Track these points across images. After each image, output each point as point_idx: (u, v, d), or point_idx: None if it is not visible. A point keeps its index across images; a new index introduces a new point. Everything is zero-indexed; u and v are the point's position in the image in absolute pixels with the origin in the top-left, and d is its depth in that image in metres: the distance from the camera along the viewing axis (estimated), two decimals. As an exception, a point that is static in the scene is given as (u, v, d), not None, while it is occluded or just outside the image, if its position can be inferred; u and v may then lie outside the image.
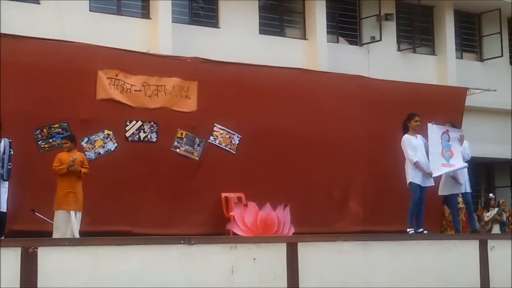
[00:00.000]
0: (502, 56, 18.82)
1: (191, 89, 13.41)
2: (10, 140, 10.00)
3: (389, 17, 17.35)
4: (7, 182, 9.95)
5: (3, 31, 11.77)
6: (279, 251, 9.36)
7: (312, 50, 16.42)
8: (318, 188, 14.02)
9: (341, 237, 10.65)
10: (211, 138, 13.57)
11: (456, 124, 12.31)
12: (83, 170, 10.61)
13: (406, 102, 13.36)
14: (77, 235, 10.34)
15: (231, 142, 13.72)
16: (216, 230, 12.60)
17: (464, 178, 11.57)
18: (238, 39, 15.57)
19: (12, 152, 9.99)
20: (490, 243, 10.88)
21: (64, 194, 10.50)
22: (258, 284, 9.08)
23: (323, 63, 16.17)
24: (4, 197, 9.93)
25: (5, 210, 9.92)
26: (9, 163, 9.97)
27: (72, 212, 10.41)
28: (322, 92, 14.70)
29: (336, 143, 14.46)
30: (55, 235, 10.41)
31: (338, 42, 17.20)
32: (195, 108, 13.39)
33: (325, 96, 14.65)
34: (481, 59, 19.07)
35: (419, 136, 11.22)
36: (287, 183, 13.59)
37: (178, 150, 13.24)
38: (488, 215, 16.10)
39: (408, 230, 11.02)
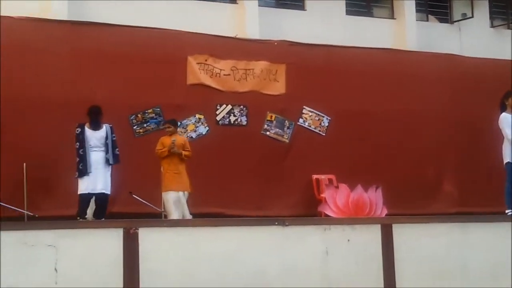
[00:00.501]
0: None
1: (279, 72, 13.44)
2: (111, 125, 10.33)
3: (481, -7, 17.06)
4: (111, 166, 10.28)
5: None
6: (374, 233, 9.30)
7: (401, 30, 16.22)
8: (410, 169, 13.80)
9: (436, 219, 10.51)
10: (301, 120, 13.59)
11: None
12: (184, 152, 10.76)
13: (502, 80, 12.95)
14: (187, 215, 10.58)
15: (320, 124, 13.69)
16: (307, 212, 12.66)
17: None
18: (325, 21, 15.54)
19: (115, 137, 10.32)
20: None
21: (170, 176, 10.72)
22: (353, 265, 9.08)
23: (412, 42, 15.97)
24: (109, 180, 10.26)
25: (109, 193, 10.28)
26: (116, 149, 10.36)
27: (181, 193, 10.63)
28: (412, 72, 14.44)
29: (427, 123, 14.21)
30: (168, 216, 10.69)
31: (427, 20, 16.90)
32: (283, 91, 13.43)
33: (415, 76, 14.37)
34: None
35: (515, 114, 10.94)
36: (378, 164, 13.49)
37: (268, 133, 13.34)
38: None
39: (507, 211, 10.78)
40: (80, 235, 8.01)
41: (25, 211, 10.49)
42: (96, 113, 10.29)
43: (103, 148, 10.18)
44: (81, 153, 10.04)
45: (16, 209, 10.61)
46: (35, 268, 7.66)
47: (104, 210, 10.37)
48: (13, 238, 7.67)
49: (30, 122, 11.37)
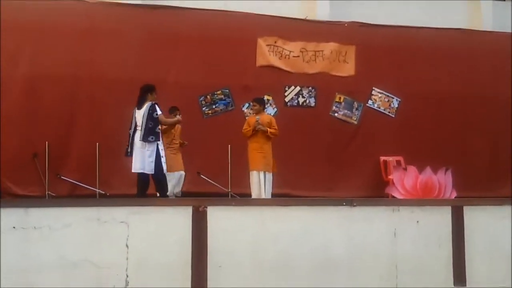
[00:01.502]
0: None
1: (349, 54, 13.40)
2: (154, 103, 10.07)
3: None
4: (152, 144, 9.98)
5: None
6: (444, 215, 9.23)
7: (475, 9, 15.82)
8: (480, 151, 13.61)
9: (509, 201, 10.35)
10: (370, 102, 13.52)
11: None
12: (270, 130, 10.77)
13: None
14: (266, 195, 10.64)
15: (390, 105, 13.59)
16: (375, 193, 12.61)
17: None
18: (396, 1, 15.30)
19: (151, 112, 9.97)
20: None
21: (253, 155, 10.79)
22: (422, 247, 9.04)
23: (487, 22, 15.55)
24: (149, 159, 10.00)
25: (150, 172, 10.07)
26: (149, 126, 9.93)
27: (261, 173, 10.68)
28: (486, 53, 14.11)
29: (500, 105, 13.87)
30: (253, 195, 10.78)
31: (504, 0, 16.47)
32: (353, 72, 13.37)
33: (489, 57, 14.05)
34: None
35: None
36: (448, 146, 13.31)
37: (336, 114, 13.32)
38: None
39: None
40: (151, 213, 8.22)
41: (97, 189, 10.80)
42: (141, 92, 10.22)
43: (141, 127, 10.05)
44: (129, 133, 10.11)
45: (89, 187, 10.99)
46: (107, 243, 7.90)
47: (143, 190, 10.13)
48: (86, 214, 7.95)
49: (104, 103, 11.68)
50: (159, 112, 10.04)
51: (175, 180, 11.00)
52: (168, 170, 10.57)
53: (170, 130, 10.91)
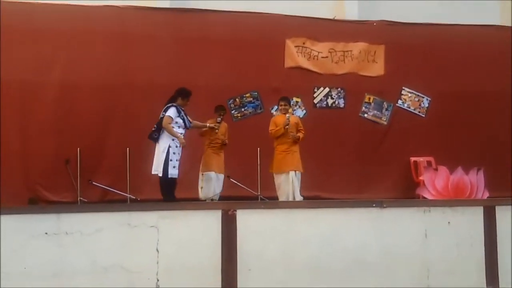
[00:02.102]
0: None
1: (378, 53, 13.35)
2: (171, 105, 10.07)
3: None
4: (162, 143, 9.93)
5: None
6: (476, 215, 9.19)
7: (508, 5, 15.70)
8: (512, 151, 13.42)
9: (542, 201, 10.26)
10: (399, 102, 13.45)
11: None
12: (300, 136, 10.80)
13: None
14: (297, 196, 10.59)
15: (420, 105, 13.51)
16: (405, 194, 12.53)
17: None
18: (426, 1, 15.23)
19: (163, 116, 9.95)
20: None
21: (282, 156, 10.68)
22: (454, 248, 9.01)
23: (519, 19, 15.43)
24: (159, 160, 9.96)
25: (159, 174, 9.95)
26: (159, 121, 9.97)
27: (292, 172, 10.58)
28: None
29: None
30: (280, 197, 10.73)
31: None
32: (382, 72, 13.32)
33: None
34: None
35: None
36: (480, 146, 13.17)
37: (366, 115, 13.29)
38: None
39: None
40: (180, 217, 8.31)
41: (128, 195, 10.90)
42: (174, 93, 10.25)
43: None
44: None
45: (120, 192, 11.07)
46: (138, 248, 8.01)
47: (162, 192, 10.08)
48: (117, 219, 8.07)
49: (136, 108, 11.76)
50: (167, 114, 9.93)
51: (212, 181, 10.84)
52: (203, 170, 10.72)
53: (213, 131, 10.78)
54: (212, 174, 10.82)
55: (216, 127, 10.69)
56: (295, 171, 10.65)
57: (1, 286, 7.51)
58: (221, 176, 10.94)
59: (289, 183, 10.57)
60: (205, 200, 10.63)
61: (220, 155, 10.92)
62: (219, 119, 10.80)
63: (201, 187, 10.76)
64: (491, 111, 13.51)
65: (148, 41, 12.12)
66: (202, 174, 10.79)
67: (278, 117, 10.96)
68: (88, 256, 7.82)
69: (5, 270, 7.58)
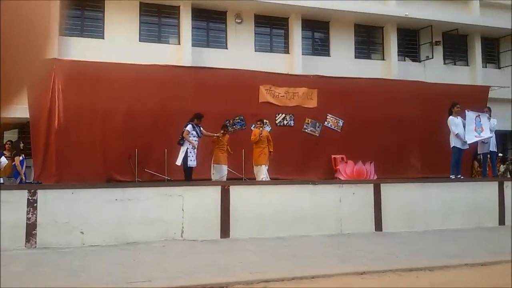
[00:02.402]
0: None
1: (313, 94, 13.32)
2: (190, 123, 10.05)
3: (438, 43, 16.38)
4: (183, 146, 9.86)
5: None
6: (369, 189, 9.30)
7: (388, 67, 15.84)
8: (392, 151, 13.40)
9: (408, 180, 10.37)
10: (326, 122, 13.45)
11: (490, 108, 11.54)
12: (270, 150, 10.71)
13: (450, 96, 12.48)
14: (268, 178, 10.38)
15: (337, 124, 13.53)
16: (329, 177, 12.53)
17: (493, 142, 10.94)
18: (342, 63, 15.27)
19: (185, 129, 9.91)
20: (505, 184, 10.22)
21: (258, 154, 10.62)
22: (356, 207, 9.08)
23: (395, 74, 15.56)
24: (181, 155, 9.81)
25: (179, 164, 9.87)
26: (181, 135, 9.91)
27: (264, 166, 10.53)
28: (395, 92, 13.99)
29: (404, 123, 13.75)
30: (257, 179, 10.49)
31: (404, 60, 16.44)
32: (316, 105, 13.27)
33: (397, 95, 13.93)
34: (499, 67, 17.54)
35: (459, 117, 10.65)
36: (372, 148, 13.07)
37: (306, 130, 13.26)
38: (503, 167, 14.92)
39: (451, 176, 10.53)
40: (197, 190, 8.29)
41: (166, 177, 10.81)
42: (193, 115, 10.16)
43: None
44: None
45: (161, 175, 10.96)
46: (171, 208, 7.98)
47: (185, 175, 9.85)
48: (159, 191, 8.02)
49: (171, 125, 11.40)
50: (186, 128, 9.93)
51: (220, 169, 10.51)
52: (215, 163, 10.46)
53: (218, 139, 10.53)
54: (221, 165, 10.58)
55: (220, 136, 10.54)
56: (266, 165, 10.61)
57: (84, 232, 7.40)
58: (225, 167, 10.71)
59: (262, 171, 10.54)
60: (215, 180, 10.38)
61: (224, 154, 10.72)
62: (222, 131, 10.68)
63: (213, 173, 10.51)
64: (380, 126, 13.50)
65: (177, 85, 12.02)
66: (213, 165, 10.57)
67: (255, 130, 10.93)
68: (141, 213, 7.78)
69: (90, 221, 7.52)
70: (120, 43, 13.20)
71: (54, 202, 7.38)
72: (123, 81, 11.47)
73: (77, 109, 10.97)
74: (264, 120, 12.47)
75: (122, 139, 11.32)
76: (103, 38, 13.32)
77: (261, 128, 10.78)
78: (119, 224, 7.58)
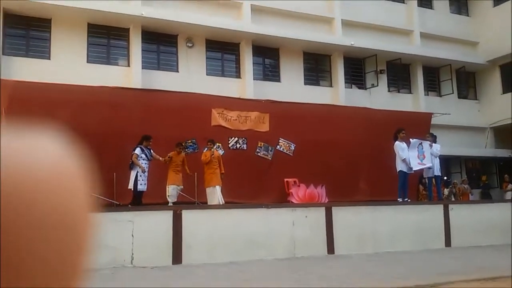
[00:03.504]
0: (452, 93, 18.32)
1: (265, 118, 13.50)
2: (139, 146, 9.96)
3: (382, 71, 17.11)
4: (133, 170, 9.77)
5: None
6: (321, 212, 9.37)
7: (336, 93, 16.31)
8: (342, 174, 13.74)
9: (358, 203, 10.56)
10: (278, 146, 13.60)
11: (434, 135, 12.03)
12: (222, 171, 10.56)
13: (395, 122, 13.01)
14: (221, 201, 10.20)
15: (289, 148, 13.71)
16: (282, 200, 12.59)
17: (437, 166, 11.38)
18: (292, 89, 15.59)
19: (133, 151, 9.85)
20: (450, 206, 10.64)
21: (210, 176, 10.37)
22: (309, 231, 9.12)
23: (342, 100, 16.04)
24: (131, 179, 9.73)
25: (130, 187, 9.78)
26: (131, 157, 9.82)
27: (217, 186, 10.33)
28: (342, 117, 14.48)
29: (352, 148, 14.12)
30: (210, 202, 10.25)
31: (351, 87, 17.02)
32: (268, 129, 13.44)
33: (344, 120, 14.40)
34: (440, 95, 18.55)
35: (404, 142, 11.04)
36: (323, 172, 13.35)
37: (259, 153, 13.36)
38: (447, 190, 15.62)
39: (398, 199, 10.85)
40: (148, 214, 8.04)
41: (115, 201, 10.44)
42: (141, 138, 10.05)
43: None
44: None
45: (110, 200, 10.53)
46: (120, 234, 7.68)
47: (133, 199, 9.78)
48: (108, 216, 7.71)
49: (119, 146, 11.08)
50: (134, 152, 9.76)
51: (176, 190, 10.33)
52: (170, 184, 10.18)
53: (174, 160, 10.33)
54: (176, 187, 10.30)
55: (170, 156, 10.27)
56: (218, 185, 10.46)
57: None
58: (180, 187, 10.47)
59: (215, 193, 10.38)
60: (172, 203, 10.05)
61: (179, 175, 10.44)
62: (178, 149, 10.44)
63: (168, 195, 10.19)
64: (330, 150, 13.75)
65: (127, 107, 11.80)
66: (168, 187, 10.25)
67: (207, 152, 10.75)
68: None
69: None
70: (67, 64, 12.81)
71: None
72: (70, 102, 11.08)
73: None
74: (217, 144, 12.42)
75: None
76: (49, 59, 12.90)
77: (212, 149, 10.64)
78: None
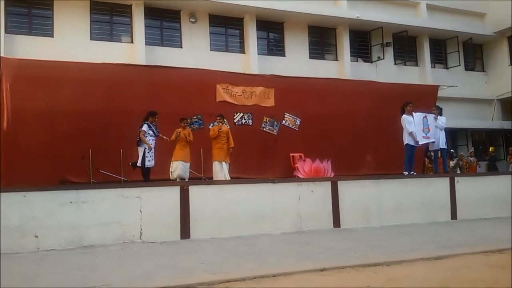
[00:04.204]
0: (459, 65, 18.05)
1: (270, 93, 13.40)
2: (145, 122, 9.87)
3: (388, 44, 16.88)
4: (141, 146, 9.71)
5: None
6: (326, 186, 9.37)
7: (342, 67, 16.14)
8: (348, 148, 13.71)
9: (363, 177, 10.55)
10: (283, 121, 13.53)
11: (440, 107, 11.89)
12: (231, 145, 10.51)
13: (401, 95, 12.87)
14: (227, 177, 10.27)
15: (295, 123, 13.62)
16: (287, 175, 12.64)
17: (443, 139, 11.30)
18: (300, 63, 15.42)
19: (140, 128, 9.74)
20: (456, 179, 10.61)
21: (217, 150, 10.38)
22: (314, 205, 9.14)
23: (348, 74, 15.89)
24: (140, 156, 9.70)
25: (139, 165, 9.75)
26: (138, 134, 9.71)
27: (224, 163, 10.33)
28: (349, 91, 14.32)
29: (357, 122, 14.11)
30: (215, 177, 10.29)
31: (357, 61, 16.81)
32: (273, 104, 13.36)
33: (350, 93, 14.24)
34: (447, 67, 18.29)
35: (411, 116, 10.93)
36: (329, 146, 13.34)
37: (264, 129, 13.29)
38: (453, 162, 15.56)
39: (404, 172, 10.83)
40: (155, 190, 8.08)
41: (122, 177, 10.52)
42: (146, 114, 9.95)
43: None
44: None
45: (117, 176, 10.61)
46: (128, 210, 7.74)
47: (142, 176, 9.76)
48: (115, 193, 7.76)
49: (125, 125, 11.13)
50: (142, 128, 9.72)
51: (182, 168, 10.14)
52: (174, 160, 10.07)
53: (180, 136, 10.20)
54: (180, 162, 10.16)
55: (178, 132, 10.12)
56: (225, 161, 10.46)
57: (38, 236, 7.07)
58: (187, 164, 10.35)
59: (219, 167, 10.39)
60: (175, 179, 10.04)
61: (186, 150, 10.33)
62: (183, 124, 10.36)
63: (171, 171, 10.12)
64: (336, 124, 13.72)
65: (131, 84, 11.73)
66: (173, 163, 10.17)
67: (215, 127, 10.73)
68: (96, 216, 7.50)
69: (44, 225, 7.18)
70: (70, 42, 12.74)
71: (4, 205, 6.98)
72: (74, 80, 11.04)
73: (26, 110, 10.49)
74: (214, 123, 12.38)
75: (74, 139, 10.87)
76: (53, 37, 12.81)
77: (220, 124, 10.58)
78: (75, 227, 7.27)
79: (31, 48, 11.98)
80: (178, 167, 10.06)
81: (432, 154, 12.30)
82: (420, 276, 5.43)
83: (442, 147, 11.33)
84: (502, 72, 18.41)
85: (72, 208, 7.33)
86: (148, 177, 9.72)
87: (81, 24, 13.06)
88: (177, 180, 9.88)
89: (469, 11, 18.50)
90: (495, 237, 7.94)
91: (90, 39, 13.14)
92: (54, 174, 10.45)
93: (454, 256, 6.35)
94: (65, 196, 7.35)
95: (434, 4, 17.71)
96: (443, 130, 11.33)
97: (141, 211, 7.68)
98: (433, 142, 11.21)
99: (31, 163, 10.26)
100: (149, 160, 9.68)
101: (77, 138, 10.88)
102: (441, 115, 11.45)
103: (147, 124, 9.80)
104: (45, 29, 12.83)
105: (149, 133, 9.79)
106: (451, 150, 16.35)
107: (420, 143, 10.97)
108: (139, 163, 9.67)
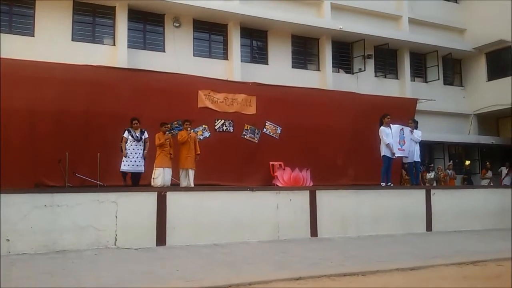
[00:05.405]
0: (438, 79, 18.40)
1: (252, 101, 13.39)
2: (126, 128, 9.91)
3: (369, 56, 17.07)
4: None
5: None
6: (305, 195, 9.41)
7: (323, 77, 16.25)
8: (327, 158, 13.79)
9: (341, 187, 10.62)
10: (264, 129, 13.51)
11: (416, 121, 12.04)
12: (198, 153, 10.16)
13: (380, 107, 13.02)
14: (192, 184, 10.01)
15: (276, 131, 13.62)
16: (267, 183, 12.62)
17: (417, 152, 11.44)
18: (279, 71, 15.47)
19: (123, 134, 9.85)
20: (432, 191, 10.77)
21: (184, 157, 10.01)
22: (293, 214, 9.16)
23: (330, 84, 15.99)
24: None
25: (121, 170, 9.78)
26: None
27: (190, 170, 10.03)
28: (329, 102, 14.41)
29: (338, 132, 14.19)
30: (181, 184, 9.99)
31: (338, 72, 16.94)
32: (254, 112, 13.34)
33: (331, 104, 14.35)
34: (426, 81, 18.60)
35: (389, 128, 11.08)
36: (308, 156, 13.39)
37: (245, 136, 13.25)
38: (429, 175, 15.79)
39: (381, 183, 10.94)
40: (132, 195, 7.98)
41: (98, 182, 10.32)
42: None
43: None
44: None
45: (93, 180, 10.41)
46: (103, 215, 7.63)
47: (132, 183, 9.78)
48: (91, 197, 7.64)
49: (106, 128, 11.10)
50: (123, 135, 9.81)
51: (164, 172, 9.86)
52: (157, 166, 9.84)
53: (163, 143, 9.95)
54: (163, 169, 9.79)
55: (162, 140, 9.95)
56: (191, 169, 10.03)
57: (10, 239, 6.90)
58: (168, 170, 9.94)
59: (187, 175, 9.98)
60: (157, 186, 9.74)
61: (167, 156, 9.96)
62: (163, 128, 10.10)
63: (153, 178, 9.79)
64: (315, 134, 13.77)
65: (112, 87, 11.59)
66: (155, 169, 9.86)
67: (183, 132, 10.28)
68: (72, 220, 7.38)
69: (16, 228, 7.02)
70: (51, 42, 12.54)
71: (-26, 208, 6.81)
72: (54, 80, 10.87)
73: (3, 109, 10.26)
74: (203, 126, 12.35)
75: (52, 141, 10.69)
76: (33, 36, 12.59)
77: (189, 129, 10.28)
78: (48, 231, 7.13)
79: (10, 47, 11.75)
80: (161, 174, 9.86)
81: (408, 166, 12.46)
82: (395, 287, 5.48)
83: (416, 160, 11.49)
84: (480, 88, 18.83)
85: (46, 211, 7.19)
86: (124, 181, 9.67)
87: (63, 25, 12.88)
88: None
89: (449, 27, 18.89)
90: (469, 249, 8.07)
91: (72, 40, 12.96)
92: (29, 177, 10.26)
93: (429, 267, 6.43)
94: (40, 200, 7.21)
95: (416, 18, 18.03)
96: (418, 144, 11.49)
97: (116, 216, 7.58)
98: (406, 156, 11.39)
99: (6, 164, 10.01)
100: (124, 165, 9.70)
101: (55, 141, 10.70)
102: (416, 128, 11.63)
103: (127, 130, 9.82)
104: (26, 28, 12.62)
105: (128, 139, 9.80)
106: (426, 162, 16.60)
107: (397, 155, 11.11)
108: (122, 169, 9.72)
